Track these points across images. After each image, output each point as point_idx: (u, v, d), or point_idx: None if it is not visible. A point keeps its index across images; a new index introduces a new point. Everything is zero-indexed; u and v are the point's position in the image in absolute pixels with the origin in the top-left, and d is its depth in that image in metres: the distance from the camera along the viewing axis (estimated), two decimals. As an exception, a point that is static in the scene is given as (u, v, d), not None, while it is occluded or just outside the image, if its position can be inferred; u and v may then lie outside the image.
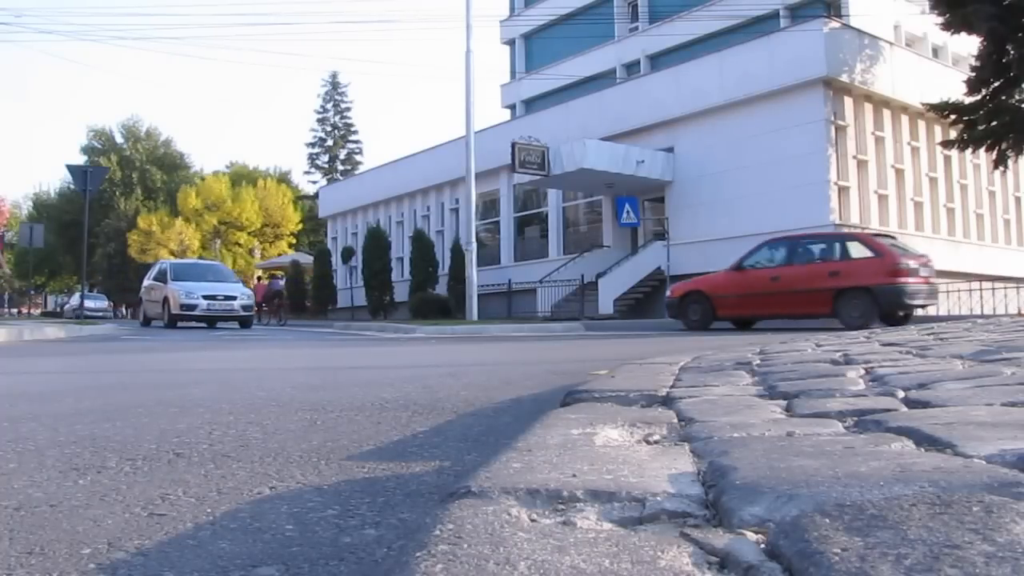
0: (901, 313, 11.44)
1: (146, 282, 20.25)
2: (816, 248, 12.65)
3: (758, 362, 3.18)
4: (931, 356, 2.94)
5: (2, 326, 11.30)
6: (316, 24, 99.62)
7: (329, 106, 57.27)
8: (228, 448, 2.04)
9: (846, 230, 15.90)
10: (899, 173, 18.48)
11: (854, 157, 17.41)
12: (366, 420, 2.52)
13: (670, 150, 19.43)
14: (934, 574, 0.66)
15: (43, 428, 2.39)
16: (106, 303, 45.38)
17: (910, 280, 11.20)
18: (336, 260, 30.05)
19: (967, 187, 20.44)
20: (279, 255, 44.30)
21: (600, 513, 0.99)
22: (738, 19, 23.29)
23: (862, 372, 2.51)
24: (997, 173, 19.26)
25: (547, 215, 23.68)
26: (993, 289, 17.15)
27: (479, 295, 16.99)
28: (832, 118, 16.82)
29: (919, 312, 12.20)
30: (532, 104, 29.70)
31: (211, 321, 17.89)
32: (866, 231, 13.51)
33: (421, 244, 24.28)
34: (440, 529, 0.91)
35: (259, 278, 35.13)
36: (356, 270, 27.63)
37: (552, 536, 0.89)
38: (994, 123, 15.68)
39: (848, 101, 17.37)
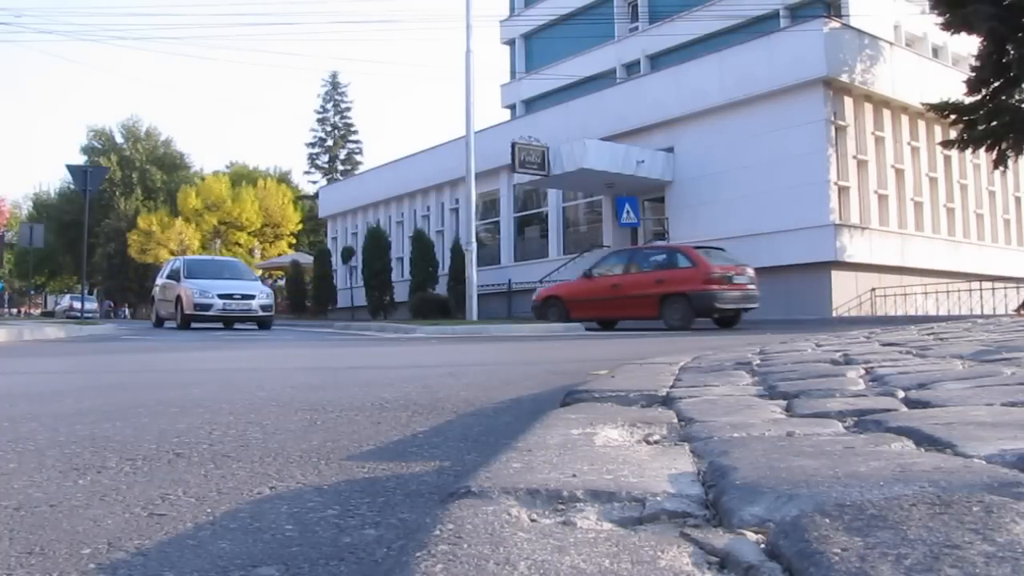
0: (716, 315, 13.12)
1: (159, 280, 19.06)
2: (649, 259, 14.54)
3: (758, 362, 3.18)
4: (931, 356, 2.94)
5: (2, 326, 11.30)
6: (316, 24, 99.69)
7: (329, 106, 57.32)
8: (228, 448, 2.04)
9: (838, 224, 15.90)
10: (899, 173, 18.48)
11: (854, 157, 17.41)
12: (366, 420, 2.52)
13: (670, 150, 19.43)
14: (934, 574, 0.66)
15: (43, 428, 2.39)
16: (94, 304, 45.49)
17: (722, 287, 12.86)
18: (336, 260, 30.04)
19: (967, 187, 20.43)
20: (279, 255, 44.30)
21: (600, 513, 0.99)
22: (738, 19, 23.29)
23: (862, 372, 2.51)
24: (997, 173, 19.26)
25: (547, 215, 23.68)
26: (993, 289, 17.15)
27: (479, 295, 16.97)
28: (832, 118, 16.81)
29: (751, 315, 13.95)
30: (532, 104, 29.70)
31: (227, 322, 16.69)
32: (691, 244, 15.05)
33: (421, 244, 24.27)
34: (440, 529, 0.91)
35: None
36: (356, 270, 27.63)
37: (552, 536, 0.89)
38: (994, 123, 15.68)
39: (848, 101, 17.37)
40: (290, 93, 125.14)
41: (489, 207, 25.22)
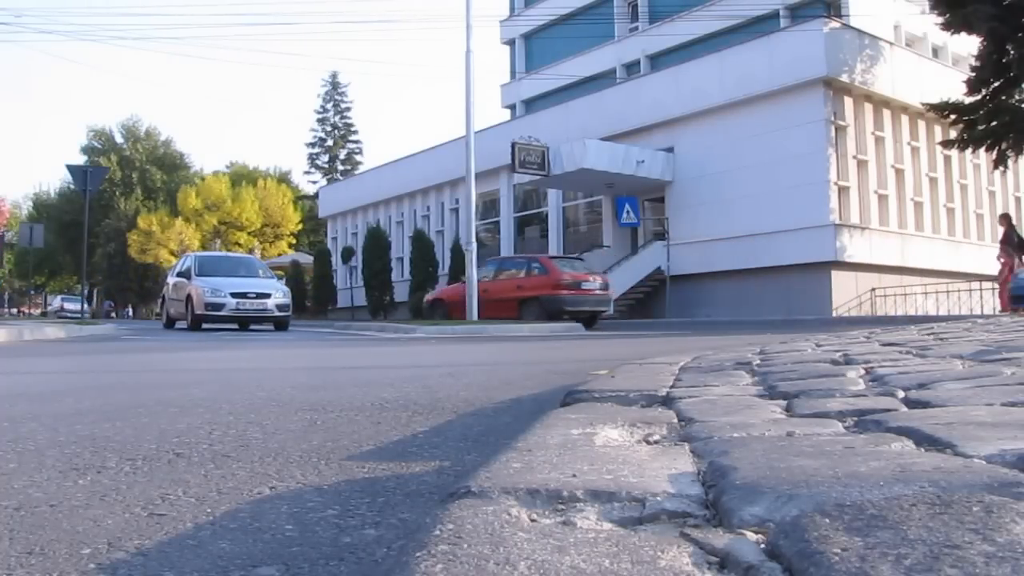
0: (565, 317, 14.43)
1: (170, 278, 17.87)
2: (513, 267, 16.45)
3: (758, 362, 3.18)
4: (931, 356, 2.94)
5: (2, 326, 11.30)
6: (316, 24, 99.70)
7: (329, 106, 57.32)
8: (228, 448, 2.04)
9: (838, 224, 15.87)
10: (899, 173, 18.48)
11: (854, 157, 17.41)
12: (366, 420, 2.52)
13: (670, 150, 19.43)
14: (934, 574, 0.66)
15: (43, 428, 2.39)
16: (83, 304, 45.54)
17: (570, 292, 14.69)
18: (336, 260, 30.06)
19: (967, 187, 20.44)
20: (279, 255, 44.28)
21: (600, 513, 0.99)
22: (738, 19, 23.30)
23: (862, 372, 2.51)
24: (997, 173, 19.27)
25: (547, 215, 23.68)
26: (993, 289, 17.14)
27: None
28: (832, 118, 16.82)
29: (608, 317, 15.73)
30: (532, 104, 29.71)
31: (242, 323, 15.65)
32: (548, 255, 17.48)
33: (421, 244, 24.28)
34: (440, 529, 0.91)
35: None
36: (356, 270, 27.64)
37: (552, 536, 0.89)
38: (994, 123, 15.68)
39: (848, 101, 17.37)
40: (290, 93, 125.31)
41: (489, 207, 25.22)
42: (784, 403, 1.91)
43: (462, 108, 16.40)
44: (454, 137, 23.19)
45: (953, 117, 16.23)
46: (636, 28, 27.88)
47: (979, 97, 15.78)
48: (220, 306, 14.77)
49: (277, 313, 15.23)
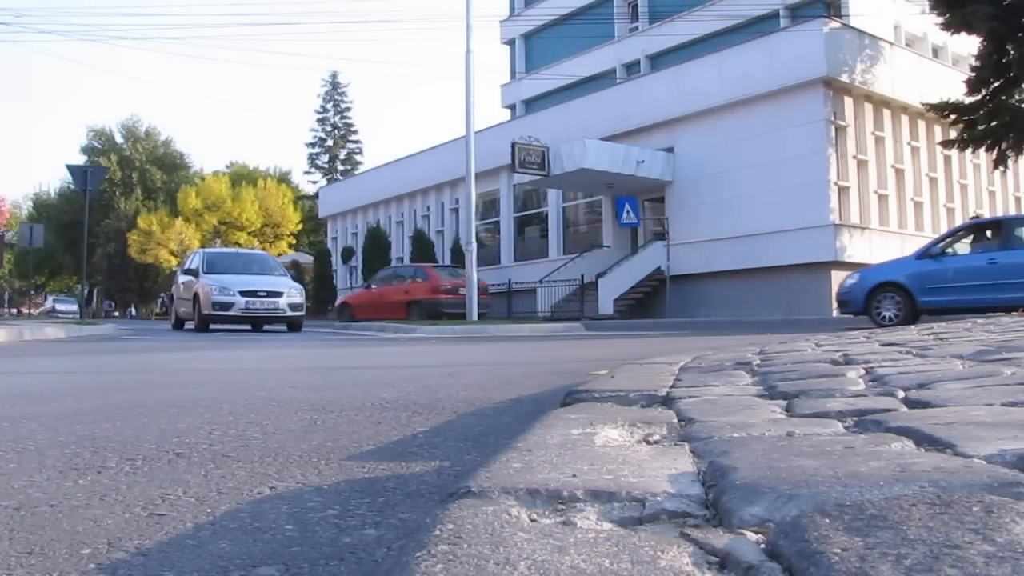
0: (443, 317, 16.33)
1: (178, 276, 16.93)
2: (402, 275, 19.30)
3: (758, 362, 3.18)
4: (931, 356, 2.94)
5: (2, 326, 11.29)
6: (316, 24, 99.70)
7: (329, 106, 57.27)
8: (228, 448, 2.04)
9: (838, 224, 15.85)
10: (899, 173, 18.48)
11: (854, 157, 17.41)
12: (366, 420, 2.52)
13: (670, 150, 19.42)
14: (934, 574, 0.66)
15: (43, 428, 2.39)
16: (75, 306, 45.74)
17: (447, 296, 17.17)
18: (336, 260, 30.06)
19: (967, 187, 20.43)
20: (279, 255, 44.25)
21: (600, 513, 0.99)
22: (738, 19, 23.29)
23: (862, 372, 2.51)
24: (997, 173, 19.26)
25: (547, 215, 23.68)
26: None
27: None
28: (832, 118, 16.81)
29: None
30: (532, 104, 29.70)
31: (255, 323, 14.73)
32: (432, 264, 20.67)
33: (421, 244, 24.28)
34: (440, 529, 0.91)
35: None
36: (356, 270, 27.65)
37: (552, 536, 0.89)
38: (994, 123, 15.68)
39: (848, 101, 17.37)
40: (290, 93, 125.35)
41: (489, 207, 25.22)
42: (784, 403, 1.91)
43: (462, 108, 16.40)
44: (454, 137, 23.20)
45: (953, 117, 16.22)
46: (636, 28, 27.87)
47: (979, 97, 15.77)
48: (228, 305, 13.89)
49: (290, 313, 14.32)
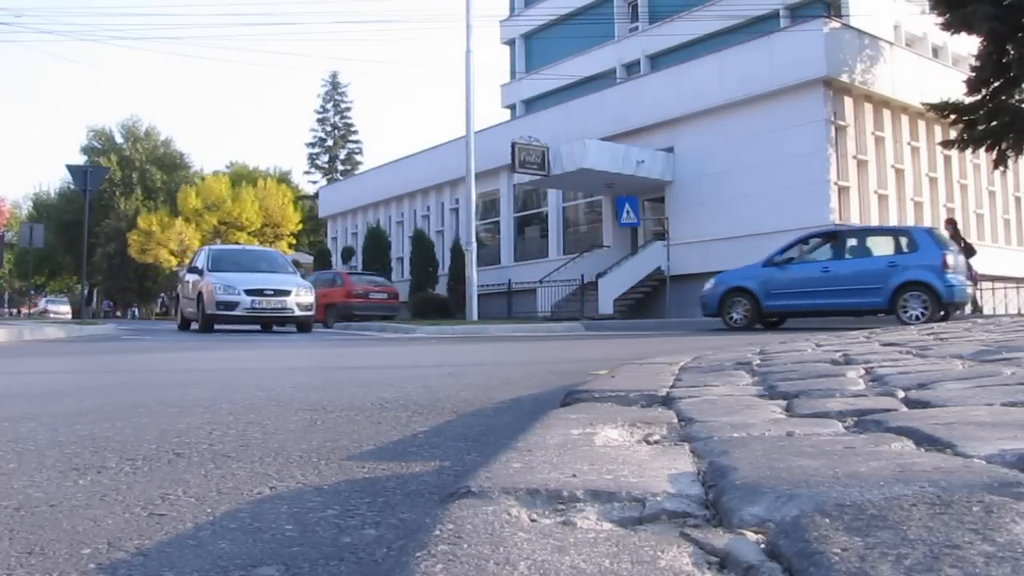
0: (355, 320, 17.92)
1: (184, 275, 16.09)
2: (323, 279, 20.39)
3: (758, 362, 3.18)
4: (931, 356, 2.94)
5: (2, 326, 11.29)
6: (316, 24, 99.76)
7: (329, 106, 57.29)
8: (228, 448, 2.04)
9: (838, 224, 15.85)
10: (899, 173, 18.48)
11: (854, 157, 17.41)
12: (366, 420, 2.52)
13: (670, 150, 19.42)
14: (934, 574, 0.66)
15: (43, 428, 2.39)
16: (67, 307, 45.78)
17: (359, 300, 19.21)
18: (336, 260, 30.05)
19: (967, 187, 20.43)
20: (279, 255, 44.20)
21: (600, 513, 0.99)
22: (738, 19, 23.29)
23: (862, 372, 2.51)
24: (997, 173, 19.26)
25: (547, 215, 23.67)
26: (993, 289, 17.15)
27: (479, 295, 16.99)
28: (832, 118, 16.81)
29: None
30: (532, 104, 29.70)
31: (263, 323, 14.12)
32: (348, 271, 22.89)
33: (421, 244, 24.28)
34: (440, 529, 0.91)
35: None
36: (356, 270, 27.66)
37: (552, 536, 0.89)
38: (994, 123, 15.68)
39: (848, 101, 17.37)
40: (290, 93, 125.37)
41: (489, 207, 25.21)
42: (784, 403, 1.91)
43: (462, 108, 16.41)
44: (454, 137, 23.20)
45: (953, 117, 16.22)
46: (636, 28, 27.88)
47: (979, 97, 15.78)
48: (233, 304, 13.23)
49: (298, 313, 13.63)
